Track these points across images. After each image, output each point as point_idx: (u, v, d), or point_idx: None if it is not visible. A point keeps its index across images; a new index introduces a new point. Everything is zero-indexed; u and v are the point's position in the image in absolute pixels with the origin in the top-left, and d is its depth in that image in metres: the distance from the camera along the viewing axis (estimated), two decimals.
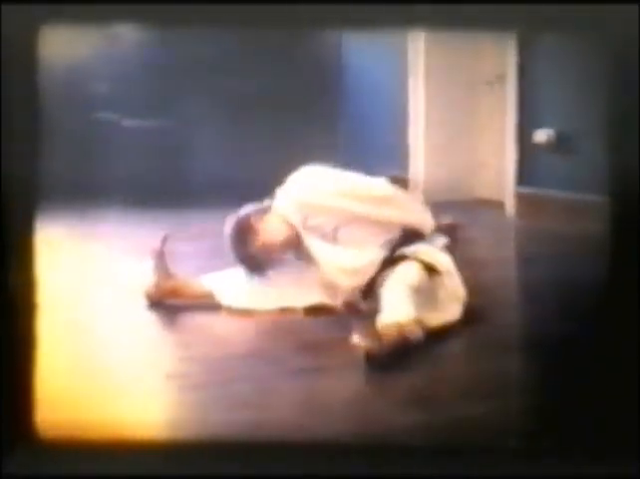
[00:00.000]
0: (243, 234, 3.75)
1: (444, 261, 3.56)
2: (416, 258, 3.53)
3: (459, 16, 2.02)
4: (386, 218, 3.66)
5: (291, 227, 3.72)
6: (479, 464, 2.10)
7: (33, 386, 2.06)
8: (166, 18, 2.06)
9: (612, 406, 2.04)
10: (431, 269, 3.52)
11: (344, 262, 3.65)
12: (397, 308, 3.24)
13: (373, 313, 3.24)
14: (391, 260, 3.59)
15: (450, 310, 3.48)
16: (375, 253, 3.63)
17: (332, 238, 3.67)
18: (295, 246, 3.76)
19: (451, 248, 3.71)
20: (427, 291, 3.43)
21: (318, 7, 2.03)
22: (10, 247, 2.06)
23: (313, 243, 3.69)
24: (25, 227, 2.07)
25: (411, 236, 3.67)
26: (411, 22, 2.26)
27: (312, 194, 3.69)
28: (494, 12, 2.01)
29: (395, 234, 3.67)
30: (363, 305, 3.55)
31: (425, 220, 3.73)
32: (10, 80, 2.01)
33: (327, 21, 2.18)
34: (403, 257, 3.56)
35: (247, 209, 3.86)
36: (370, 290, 3.58)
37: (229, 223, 3.81)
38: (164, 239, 3.88)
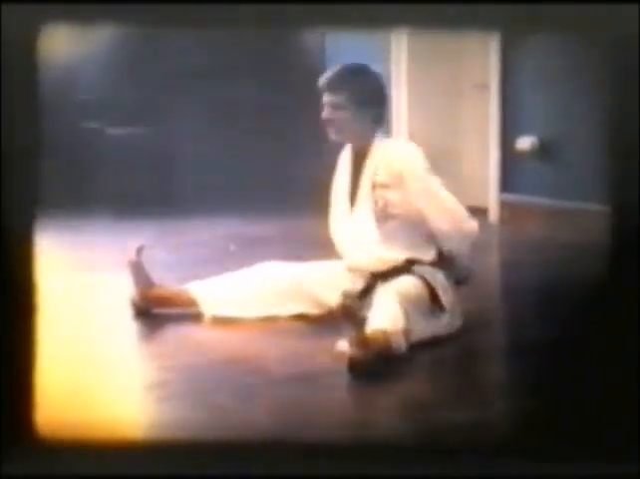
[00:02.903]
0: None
1: (447, 298, 3.55)
2: (418, 274, 3.53)
3: (446, 16, 2.02)
4: (445, 245, 3.62)
5: (362, 158, 3.67)
6: (477, 464, 2.10)
7: (33, 386, 2.07)
8: (162, 17, 2.06)
9: (612, 407, 2.05)
10: (432, 292, 3.52)
11: (374, 246, 3.63)
12: (386, 317, 3.24)
13: (360, 321, 3.23)
14: (399, 269, 3.58)
15: (439, 332, 3.48)
16: (401, 255, 3.61)
17: (383, 217, 3.62)
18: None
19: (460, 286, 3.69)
20: (421, 308, 3.43)
21: (302, 7, 2.04)
22: (10, 252, 2.06)
23: (364, 210, 3.65)
24: (24, 229, 2.07)
25: (438, 261, 3.64)
26: (395, 21, 2.26)
27: (412, 181, 3.56)
28: (491, 12, 2.01)
29: (431, 254, 3.64)
30: (359, 310, 3.38)
31: (463, 267, 3.69)
32: (10, 79, 2.00)
33: (311, 20, 2.18)
34: (409, 269, 3.56)
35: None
36: (365, 295, 3.57)
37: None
38: (140, 250, 3.86)
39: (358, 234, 3.66)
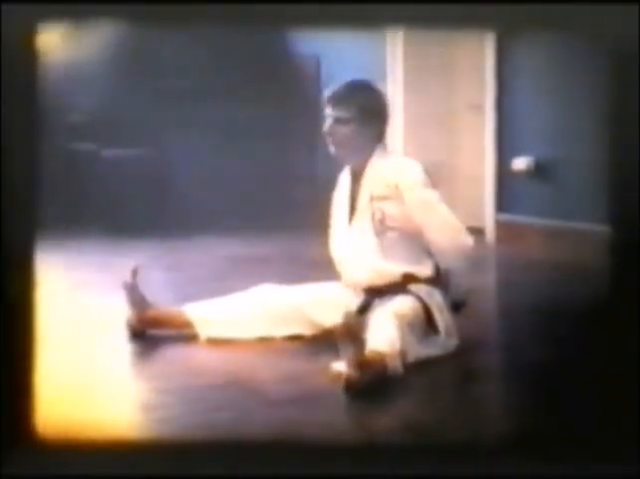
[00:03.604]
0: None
1: (443, 319, 3.53)
2: (414, 294, 3.52)
3: (444, 15, 2.02)
4: (440, 259, 3.61)
5: (359, 173, 3.66)
6: (478, 464, 2.09)
7: (33, 386, 2.07)
8: (162, 17, 2.07)
9: (612, 407, 2.04)
10: (427, 312, 3.51)
11: (372, 259, 3.62)
12: (383, 339, 3.22)
13: (361, 341, 3.21)
14: (396, 285, 3.58)
15: (435, 353, 3.47)
16: (399, 269, 3.60)
17: (381, 230, 3.61)
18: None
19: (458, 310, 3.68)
20: (417, 329, 3.42)
21: (299, 6, 2.04)
22: (9, 258, 2.06)
23: (363, 222, 3.64)
24: (22, 250, 2.08)
25: (435, 278, 3.63)
26: (391, 21, 2.27)
27: (408, 193, 3.56)
28: (490, 12, 2.01)
29: (429, 269, 3.63)
30: (361, 330, 3.30)
31: (460, 289, 3.66)
32: (9, 79, 2.01)
33: (308, 19, 2.19)
34: (405, 289, 3.56)
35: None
36: (362, 314, 3.55)
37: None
38: (135, 271, 3.84)
39: (356, 246, 3.66)
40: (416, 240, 3.57)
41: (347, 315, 3.26)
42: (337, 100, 3.63)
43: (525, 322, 4.19)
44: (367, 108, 3.63)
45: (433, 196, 3.57)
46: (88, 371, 3.33)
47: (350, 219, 3.69)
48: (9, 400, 2.03)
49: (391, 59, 7.54)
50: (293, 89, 8.19)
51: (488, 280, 5.50)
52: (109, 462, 2.10)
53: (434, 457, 2.21)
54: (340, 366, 3.09)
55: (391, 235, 3.59)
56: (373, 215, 3.60)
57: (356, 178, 3.70)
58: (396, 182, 3.55)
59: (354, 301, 3.64)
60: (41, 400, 2.08)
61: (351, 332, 3.09)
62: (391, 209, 3.57)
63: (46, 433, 2.10)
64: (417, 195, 3.55)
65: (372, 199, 3.60)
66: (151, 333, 3.84)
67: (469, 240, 3.61)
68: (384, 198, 3.57)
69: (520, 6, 1.99)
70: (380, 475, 2.16)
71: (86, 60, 7.62)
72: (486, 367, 3.50)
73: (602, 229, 2.15)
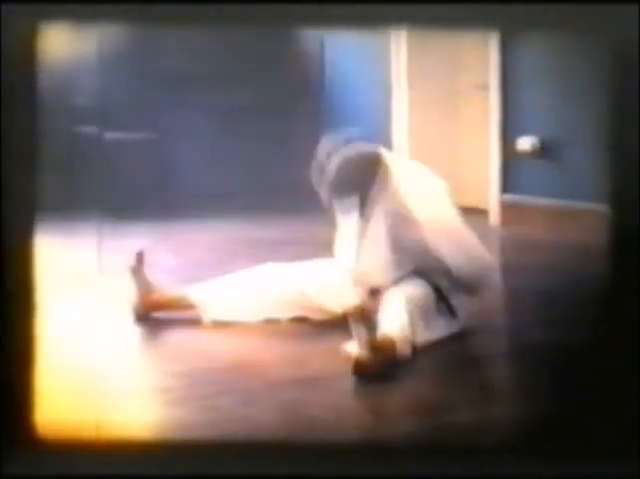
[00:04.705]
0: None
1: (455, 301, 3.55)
2: (426, 276, 3.51)
3: (445, 15, 2.02)
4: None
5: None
6: (479, 464, 2.09)
7: (33, 386, 2.07)
8: (162, 17, 2.07)
9: (612, 407, 2.04)
10: (439, 295, 3.51)
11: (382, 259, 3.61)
12: (394, 324, 3.23)
13: (374, 325, 3.20)
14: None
15: (443, 334, 3.47)
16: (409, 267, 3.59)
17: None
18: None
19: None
20: (429, 312, 3.42)
21: (303, 6, 2.04)
22: (9, 255, 2.06)
23: (377, 221, 3.63)
24: (24, 234, 2.07)
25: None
26: (394, 21, 2.26)
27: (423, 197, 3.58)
28: (491, 11, 2.01)
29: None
30: (375, 313, 3.38)
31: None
32: (9, 79, 2.00)
33: (311, 19, 2.18)
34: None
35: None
36: (375, 297, 3.54)
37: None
38: (139, 255, 3.85)
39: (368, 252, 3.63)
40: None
41: (362, 297, 3.26)
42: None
43: (531, 304, 4.19)
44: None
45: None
46: (87, 370, 3.30)
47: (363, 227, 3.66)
48: (9, 400, 2.03)
49: (395, 40, 7.50)
50: (296, 71, 8.16)
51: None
52: (109, 462, 2.11)
53: (435, 456, 2.22)
54: (352, 347, 3.09)
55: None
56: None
57: None
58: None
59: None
60: (40, 401, 2.09)
61: (365, 314, 3.09)
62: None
63: (46, 433, 2.10)
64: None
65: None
66: (156, 317, 3.84)
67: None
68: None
69: (522, 6, 1.98)
70: (385, 471, 2.16)
71: (88, 44, 7.60)
72: (492, 350, 3.50)
73: (607, 209, 2.13)
